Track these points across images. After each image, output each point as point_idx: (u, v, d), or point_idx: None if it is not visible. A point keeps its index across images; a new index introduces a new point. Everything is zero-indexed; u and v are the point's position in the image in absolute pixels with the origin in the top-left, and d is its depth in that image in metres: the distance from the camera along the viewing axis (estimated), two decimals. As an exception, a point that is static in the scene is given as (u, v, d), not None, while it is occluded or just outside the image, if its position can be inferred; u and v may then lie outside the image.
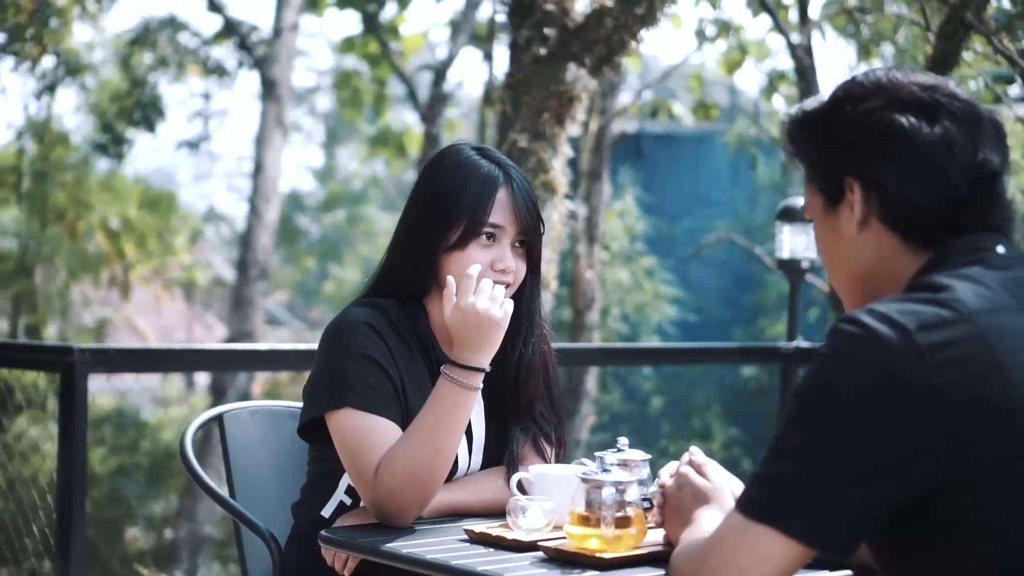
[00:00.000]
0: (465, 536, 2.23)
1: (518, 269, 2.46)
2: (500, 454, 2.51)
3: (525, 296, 2.50)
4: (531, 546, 2.14)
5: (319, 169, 26.72)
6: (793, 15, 11.91)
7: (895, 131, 1.76)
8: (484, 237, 2.42)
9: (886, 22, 12.72)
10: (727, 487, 2.11)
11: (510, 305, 2.36)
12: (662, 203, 13.96)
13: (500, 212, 2.43)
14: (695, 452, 2.17)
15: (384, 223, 21.66)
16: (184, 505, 11.69)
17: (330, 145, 26.15)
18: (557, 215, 5.85)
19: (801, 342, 5.55)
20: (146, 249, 13.79)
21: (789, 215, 5.78)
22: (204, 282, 16.64)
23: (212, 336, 19.85)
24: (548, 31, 5.53)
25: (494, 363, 2.38)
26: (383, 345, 2.39)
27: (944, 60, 10.32)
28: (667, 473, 2.17)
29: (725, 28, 12.44)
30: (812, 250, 5.76)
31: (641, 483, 2.16)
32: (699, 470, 2.13)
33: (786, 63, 16.45)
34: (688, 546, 1.82)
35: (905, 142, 1.75)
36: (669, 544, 2.11)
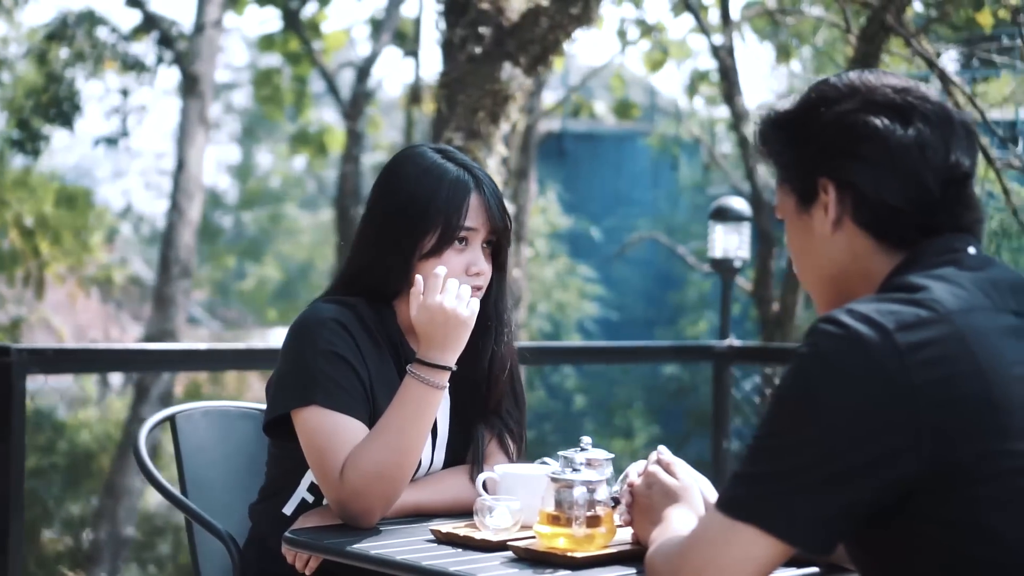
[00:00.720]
0: (432, 536, 2.22)
1: (487, 270, 2.47)
2: (463, 451, 2.51)
3: (492, 294, 2.51)
4: (500, 546, 2.14)
5: (236, 166, 26.48)
6: (715, 16, 12.00)
7: (870, 133, 1.79)
8: (457, 242, 2.43)
9: (806, 24, 12.88)
10: (696, 486, 2.12)
11: (476, 304, 2.36)
12: (584, 202, 14.03)
13: (473, 216, 2.44)
14: (663, 451, 2.19)
15: (304, 221, 21.53)
16: (104, 506, 11.53)
17: (247, 142, 25.93)
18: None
19: (734, 340, 5.59)
20: (61, 247, 13.57)
21: (721, 215, 5.83)
22: (121, 280, 16.42)
23: (128, 336, 19.59)
24: (483, 30, 5.53)
25: (462, 361, 2.38)
26: (352, 342, 2.38)
27: (865, 62, 10.49)
28: (635, 472, 2.18)
29: (647, 29, 12.53)
30: (744, 249, 5.82)
31: (606, 482, 2.17)
32: (667, 469, 2.14)
33: (707, 63, 16.60)
34: (665, 545, 1.82)
35: (880, 144, 1.78)
36: (637, 543, 2.12)
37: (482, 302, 2.48)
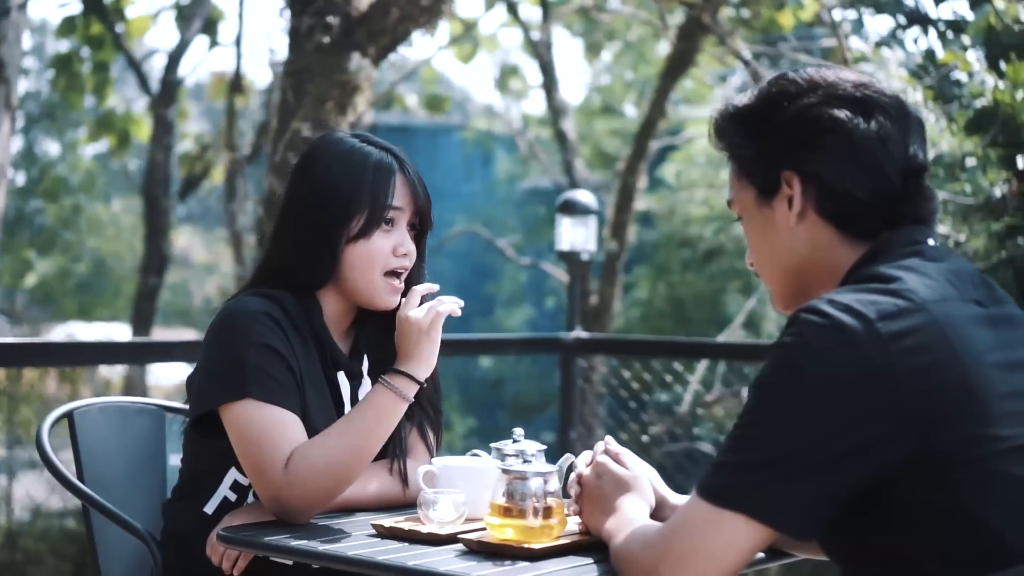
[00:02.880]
0: (373, 531, 2.19)
1: (414, 251, 2.45)
2: (385, 444, 2.48)
3: (413, 283, 2.48)
4: (449, 539, 2.12)
5: (28, 153, 25.52)
6: (525, 10, 12.09)
7: (834, 125, 1.83)
8: (384, 223, 2.40)
9: (618, 21, 13.08)
10: (646, 475, 2.14)
11: (446, 307, 2.34)
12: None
13: (399, 196, 2.42)
14: (610, 441, 2.20)
15: (104, 212, 20.88)
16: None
17: (40, 129, 25.02)
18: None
19: (581, 332, 5.65)
20: None
21: (569, 208, 5.88)
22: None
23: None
24: (331, 19, 5.46)
25: (387, 350, 2.37)
26: (283, 336, 2.33)
27: (682, 59, 10.73)
28: (583, 462, 2.19)
29: (460, 24, 12.55)
30: (591, 242, 5.88)
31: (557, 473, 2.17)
32: (616, 459, 2.15)
33: (518, 58, 16.73)
34: (639, 535, 1.83)
35: (844, 136, 1.82)
36: (587, 533, 2.12)
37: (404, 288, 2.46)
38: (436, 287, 2.40)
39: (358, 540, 2.13)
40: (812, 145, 1.84)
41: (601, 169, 13.00)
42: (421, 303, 2.35)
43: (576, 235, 5.80)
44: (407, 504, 2.44)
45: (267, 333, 2.31)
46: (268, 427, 2.25)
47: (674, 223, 12.47)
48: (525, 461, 2.12)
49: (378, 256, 2.40)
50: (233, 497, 2.41)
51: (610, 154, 13.56)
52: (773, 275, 1.95)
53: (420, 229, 2.49)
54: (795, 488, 1.66)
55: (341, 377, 2.44)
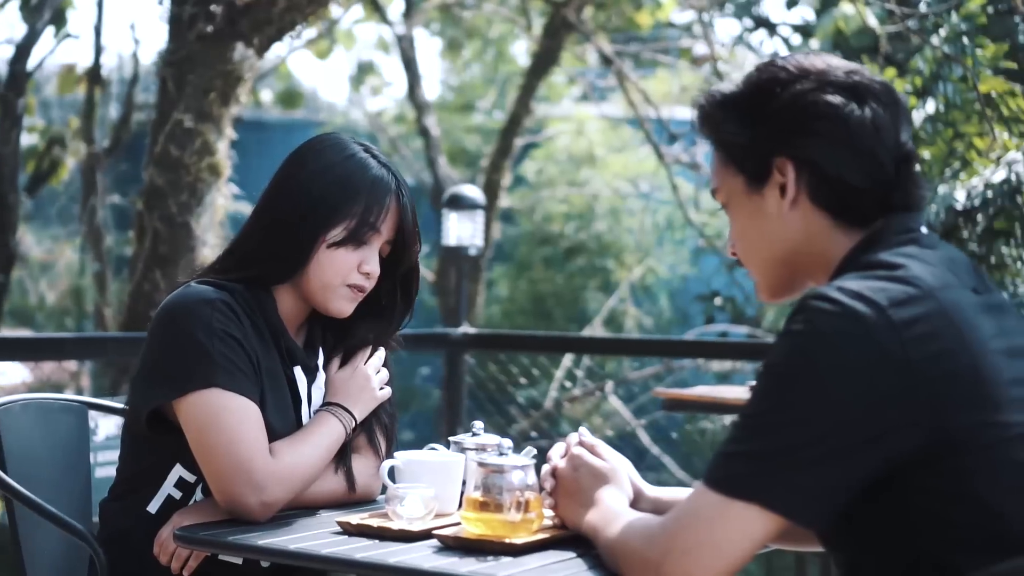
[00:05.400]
0: (339, 529, 2.11)
1: (377, 272, 2.39)
2: None
3: (401, 309, 2.50)
4: (422, 535, 2.05)
5: None
6: (389, 7, 12.00)
7: (829, 112, 1.82)
8: (363, 241, 2.35)
9: (479, 18, 13.06)
10: (623, 467, 2.10)
11: (388, 391, 2.47)
12: (253, 191, 13.74)
13: (388, 222, 2.36)
14: (584, 433, 2.15)
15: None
16: None
17: None
18: (222, 199, 5.66)
19: (468, 328, 5.60)
20: None
21: (456, 202, 5.83)
22: None
23: None
24: (214, 8, 5.32)
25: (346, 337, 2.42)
26: (241, 325, 2.25)
27: (548, 57, 10.75)
28: (557, 455, 2.14)
29: (317, 20, 12.40)
30: (479, 237, 5.83)
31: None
32: (592, 450, 2.11)
33: (372, 55, 16.59)
34: (637, 527, 1.79)
35: (838, 122, 1.81)
36: (563, 527, 2.08)
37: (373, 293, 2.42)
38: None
39: (326, 538, 2.06)
40: (807, 131, 1.82)
41: (460, 167, 12.95)
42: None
43: (463, 230, 5.75)
44: (354, 503, 2.38)
45: (227, 322, 2.23)
46: (240, 416, 2.19)
47: (535, 221, 12.49)
48: (501, 454, 2.07)
49: (342, 268, 2.34)
50: (178, 495, 2.31)
51: (470, 151, 13.52)
52: (761, 264, 1.92)
53: (397, 256, 2.42)
54: (808, 477, 1.64)
55: (298, 372, 2.36)
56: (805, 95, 1.84)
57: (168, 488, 2.31)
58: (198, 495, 2.31)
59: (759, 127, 1.86)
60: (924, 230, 1.84)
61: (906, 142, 1.85)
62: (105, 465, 4.01)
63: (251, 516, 2.17)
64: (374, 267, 2.37)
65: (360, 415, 2.40)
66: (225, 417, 2.17)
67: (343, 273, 2.34)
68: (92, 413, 2.87)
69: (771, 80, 1.87)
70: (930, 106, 6.21)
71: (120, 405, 2.67)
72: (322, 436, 2.31)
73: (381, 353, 2.47)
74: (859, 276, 1.72)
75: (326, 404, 2.38)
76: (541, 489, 2.09)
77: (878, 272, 1.73)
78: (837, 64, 1.87)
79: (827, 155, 1.81)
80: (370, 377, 2.42)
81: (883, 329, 1.64)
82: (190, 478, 2.30)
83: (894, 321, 1.65)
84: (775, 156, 1.85)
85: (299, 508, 2.30)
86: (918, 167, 1.87)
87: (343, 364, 2.42)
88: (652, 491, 2.14)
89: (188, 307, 2.24)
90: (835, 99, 1.82)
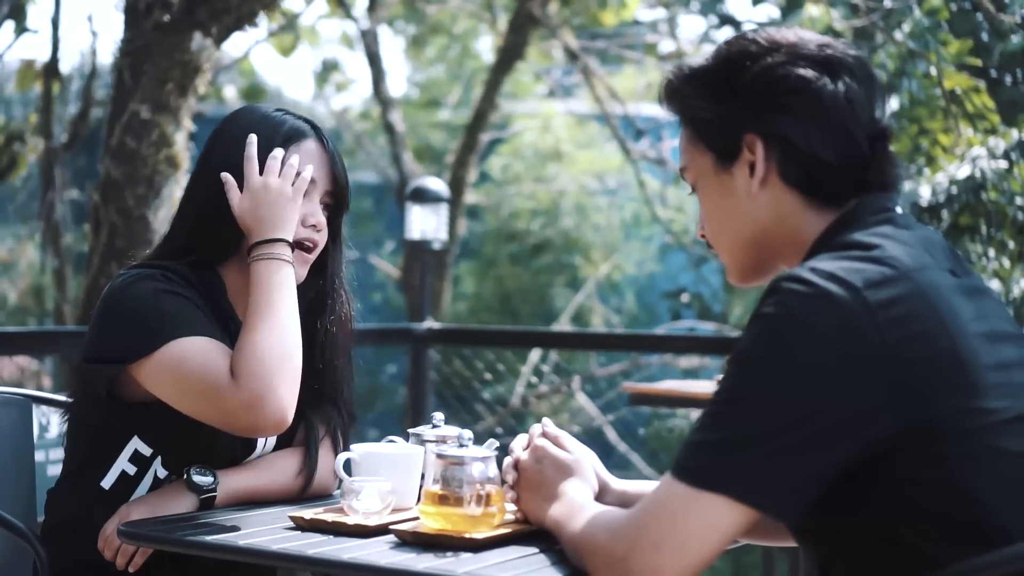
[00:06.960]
0: (291, 524, 2.02)
1: (324, 226, 2.29)
2: (293, 432, 2.33)
3: (329, 269, 2.33)
4: (379, 530, 1.97)
5: None
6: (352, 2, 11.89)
7: (801, 86, 1.74)
8: None
9: (444, 14, 12.97)
10: (588, 459, 2.02)
11: (309, 171, 2.23)
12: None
13: (311, 162, 2.27)
14: (548, 424, 2.07)
15: None
16: None
17: None
18: (180, 191, 5.55)
19: (432, 323, 5.51)
20: None
21: (419, 196, 5.74)
22: None
23: None
24: (172, -3, 5.21)
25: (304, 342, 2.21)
26: (191, 295, 2.17)
27: (513, 52, 10.67)
28: (520, 447, 2.06)
29: (282, 17, 12.29)
30: (443, 231, 5.75)
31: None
32: (555, 442, 2.03)
33: (336, 51, 16.48)
34: (602, 521, 1.71)
35: (811, 97, 1.74)
36: (525, 521, 2.00)
37: (318, 276, 2.32)
38: None
39: (277, 534, 1.97)
40: (777, 106, 1.75)
41: (426, 163, 12.86)
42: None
43: (427, 223, 5.66)
44: (309, 498, 2.29)
45: (172, 285, 2.17)
46: (203, 353, 2.09)
47: (501, 217, 12.40)
48: (461, 445, 1.98)
49: None
50: (132, 470, 2.22)
51: (435, 148, 13.43)
52: (730, 246, 1.85)
53: (335, 208, 2.33)
54: (781, 466, 1.56)
55: None
56: (775, 68, 1.76)
57: (123, 463, 2.22)
58: (159, 470, 2.22)
59: (728, 102, 1.79)
60: (899, 210, 1.76)
61: (881, 118, 1.77)
62: (57, 463, 3.90)
63: (267, 422, 2.07)
64: (320, 219, 2.28)
65: (273, 227, 2.18)
66: (188, 360, 2.09)
67: None
68: (45, 409, 2.78)
69: (741, 53, 1.80)
70: (894, 102, 6.17)
71: (65, 399, 2.57)
72: (257, 308, 2.13)
73: (277, 153, 2.24)
74: (833, 257, 1.65)
75: (249, 251, 2.20)
76: (503, 482, 2.01)
77: (853, 252, 1.65)
78: (809, 37, 1.80)
79: (798, 131, 1.74)
80: (271, 187, 2.19)
81: (858, 311, 1.57)
82: (146, 451, 2.22)
83: (870, 303, 1.57)
84: (744, 132, 1.77)
85: (251, 503, 2.21)
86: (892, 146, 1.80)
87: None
88: (618, 484, 2.06)
89: (128, 282, 2.18)
90: (807, 73, 1.74)
